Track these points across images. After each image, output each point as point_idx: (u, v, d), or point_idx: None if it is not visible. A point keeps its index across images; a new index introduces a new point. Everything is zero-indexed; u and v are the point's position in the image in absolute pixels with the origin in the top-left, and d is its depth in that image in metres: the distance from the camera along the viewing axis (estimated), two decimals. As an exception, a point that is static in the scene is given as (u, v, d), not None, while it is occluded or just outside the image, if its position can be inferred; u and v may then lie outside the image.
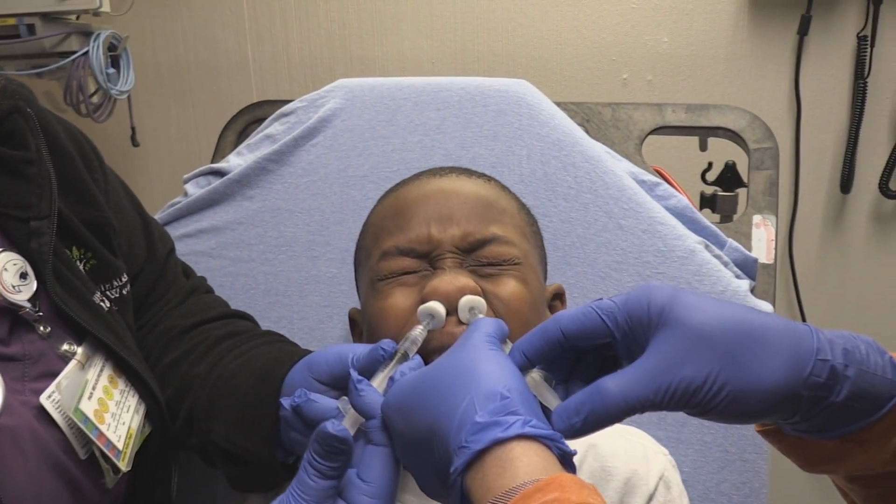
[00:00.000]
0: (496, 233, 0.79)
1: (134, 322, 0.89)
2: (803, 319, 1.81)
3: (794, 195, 1.77)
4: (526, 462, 0.50)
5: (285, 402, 0.70)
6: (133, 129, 1.81)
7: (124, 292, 0.84)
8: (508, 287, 0.77)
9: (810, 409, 0.56)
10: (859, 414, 0.56)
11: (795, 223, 1.78)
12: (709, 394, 0.54)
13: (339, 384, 0.72)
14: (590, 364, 0.62)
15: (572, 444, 0.55)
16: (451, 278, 0.75)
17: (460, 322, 0.73)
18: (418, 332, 0.70)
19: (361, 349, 0.71)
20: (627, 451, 0.82)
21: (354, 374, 0.65)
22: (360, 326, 0.88)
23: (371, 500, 0.61)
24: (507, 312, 0.76)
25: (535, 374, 0.61)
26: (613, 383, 0.55)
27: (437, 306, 0.72)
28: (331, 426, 0.60)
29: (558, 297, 0.90)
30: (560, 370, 0.62)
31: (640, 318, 0.57)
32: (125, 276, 0.85)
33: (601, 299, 0.59)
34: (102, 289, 0.81)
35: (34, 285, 0.72)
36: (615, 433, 0.84)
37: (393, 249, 0.80)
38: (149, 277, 0.92)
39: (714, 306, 0.56)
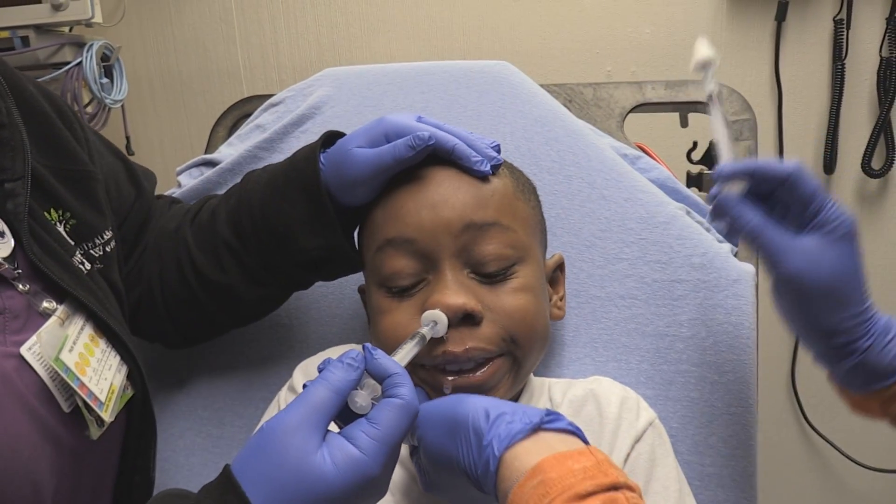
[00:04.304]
0: (496, 217, 0.78)
1: (133, 250, 0.95)
2: (794, 301, 1.83)
3: (779, 178, 1.80)
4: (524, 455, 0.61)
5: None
6: (128, 137, 1.84)
7: (108, 249, 0.85)
8: (511, 300, 0.78)
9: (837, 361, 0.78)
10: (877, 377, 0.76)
11: (782, 205, 1.80)
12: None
13: None
14: None
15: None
16: (453, 292, 0.75)
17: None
18: (424, 330, 0.74)
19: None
20: (623, 402, 0.85)
21: (368, 345, 0.67)
22: None
23: (371, 440, 0.60)
24: (511, 325, 0.78)
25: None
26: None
27: (440, 314, 0.74)
28: None
29: (559, 268, 0.92)
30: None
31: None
32: (108, 231, 0.86)
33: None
34: (85, 248, 0.82)
35: (11, 243, 0.73)
36: (617, 388, 0.88)
37: (384, 242, 0.80)
38: (141, 210, 0.97)
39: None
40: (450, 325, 0.75)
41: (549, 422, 0.63)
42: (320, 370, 0.64)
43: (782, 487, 1.97)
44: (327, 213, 0.84)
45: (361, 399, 0.63)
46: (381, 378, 0.64)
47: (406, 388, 0.63)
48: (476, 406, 0.66)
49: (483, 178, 0.80)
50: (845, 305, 0.76)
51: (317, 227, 0.85)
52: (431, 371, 0.78)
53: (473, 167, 0.80)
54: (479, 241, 0.78)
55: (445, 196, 0.78)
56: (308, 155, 0.87)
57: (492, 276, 0.78)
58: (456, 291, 0.75)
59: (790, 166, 0.78)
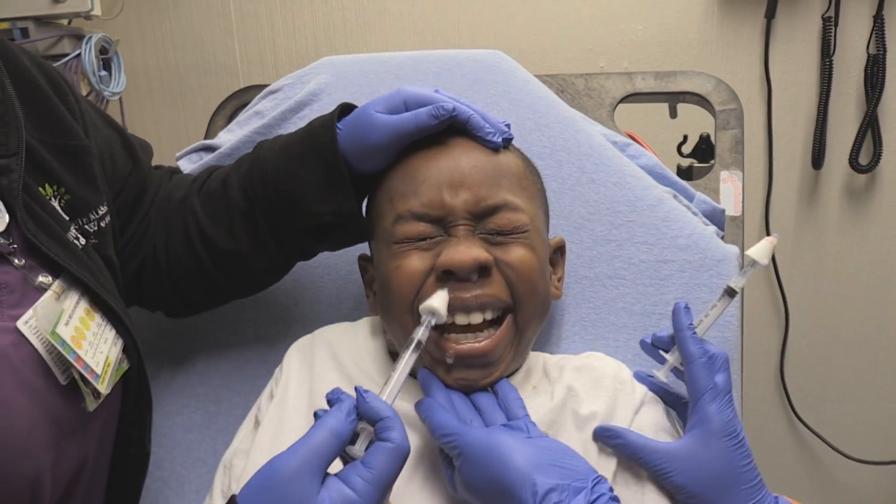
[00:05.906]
0: (506, 199, 0.83)
1: (129, 220, 0.96)
2: (782, 294, 1.86)
3: (768, 173, 1.83)
4: None
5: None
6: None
7: (102, 224, 0.86)
8: (517, 254, 0.82)
9: None
10: None
11: (771, 200, 1.84)
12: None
13: None
14: None
15: None
16: (466, 248, 0.79)
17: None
18: (420, 332, 0.76)
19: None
20: (617, 374, 0.88)
21: (360, 388, 0.70)
22: (371, 273, 0.94)
23: (364, 483, 0.65)
24: (517, 278, 0.82)
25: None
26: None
27: (438, 306, 0.77)
28: None
29: (559, 251, 0.96)
30: None
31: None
32: (103, 206, 0.87)
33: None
34: (79, 223, 0.83)
35: (6, 218, 0.74)
36: (610, 360, 0.92)
37: (406, 213, 0.83)
38: (136, 182, 0.98)
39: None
40: (460, 280, 0.79)
41: (595, 500, 0.68)
42: (317, 416, 0.70)
43: (769, 478, 1.98)
44: (343, 179, 0.87)
45: (356, 450, 0.69)
46: (373, 421, 0.69)
47: (396, 432, 0.68)
48: (524, 476, 0.70)
49: (495, 150, 0.86)
50: (744, 499, 0.77)
51: (331, 192, 0.88)
52: (437, 339, 0.81)
53: (486, 138, 0.85)
54: (493, 215, 0.83)
55: (464, 174, 0.83)
56: (325, 122, 0.89)
57: (501, 235, 0.83)
58: (468, 246, 0.80)
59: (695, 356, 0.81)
